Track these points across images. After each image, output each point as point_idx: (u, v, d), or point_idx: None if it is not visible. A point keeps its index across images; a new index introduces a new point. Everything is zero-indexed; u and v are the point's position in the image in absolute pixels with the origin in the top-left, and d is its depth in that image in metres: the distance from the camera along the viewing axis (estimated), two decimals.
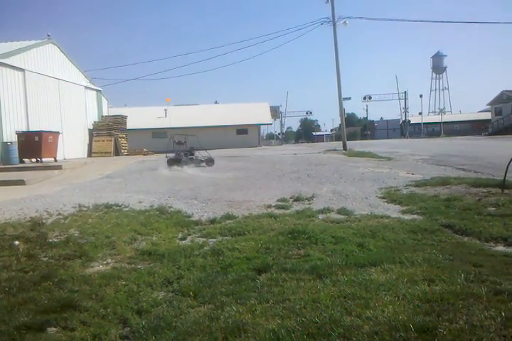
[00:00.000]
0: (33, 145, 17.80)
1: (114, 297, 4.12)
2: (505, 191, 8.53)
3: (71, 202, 8.75)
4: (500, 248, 5.49)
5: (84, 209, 8.23)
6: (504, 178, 8.74)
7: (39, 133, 18.26)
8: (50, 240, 6.14)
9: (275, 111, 61.62)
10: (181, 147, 17.34)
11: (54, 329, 3.55)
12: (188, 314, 3.70)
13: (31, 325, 3.52)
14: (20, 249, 5.71)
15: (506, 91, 54.02)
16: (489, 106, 59.26)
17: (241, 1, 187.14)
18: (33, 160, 18.35)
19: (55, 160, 18.92)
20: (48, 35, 23.64)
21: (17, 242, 5.98)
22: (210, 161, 16.80)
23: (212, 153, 17.94)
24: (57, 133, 19.75)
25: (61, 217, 7.59)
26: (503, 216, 6.76)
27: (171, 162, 16.28)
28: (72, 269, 4.98)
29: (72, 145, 24.30)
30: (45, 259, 5.42)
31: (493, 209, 7.34)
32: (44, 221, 7.22)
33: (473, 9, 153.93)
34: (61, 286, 4.39)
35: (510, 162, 8.60)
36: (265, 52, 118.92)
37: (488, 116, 60.50)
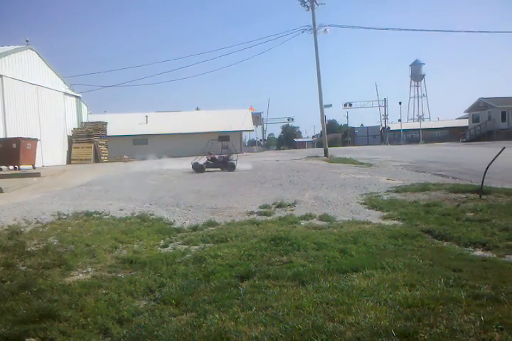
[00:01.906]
0: (11, 152, 17.46)
1: (95, 306, 4.05)
2: (483, 196, 8.70)
3: (50, 210, 8.61)
4: (479, 252, 5.59)
5: (64, 217, 8.10)
6: (482, 184, 8.92)
7: (17, 139, 17.93)
8: (29, 249, 6.03)
9: (257, 118, 61.71)
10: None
11: (33, 339, 3.48)
12: (170, 322, 3.66)
13: (9, 336, 3.44)
14: None
15: (483, 98, 55.15)
16: (467, 114, 60.35)
17: (223, 8, 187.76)
18: (11, 167, 17.98)
19: (34, 168, 18.58)
20: (27, 41, 23.36)
21: None
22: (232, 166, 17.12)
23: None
24: (36, 139, 19.41)
25: (40, 225, 7.46)
26: (482, 221, 6.89)
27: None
28: (52, 278, 4.89)
29: (51, 152, 23.95)
30: (23, 268, 5.31)
31: (472, 214, 7.47)
32: (22, 229, 7.08)
33: (451, 18, 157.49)
34: (40, 296, 4.31)
35: (487, 168, 8.78)
36: (246, 59, 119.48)
37: (465, 123, 61.60)
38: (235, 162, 17.35)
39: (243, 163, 18.04)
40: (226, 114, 48.08)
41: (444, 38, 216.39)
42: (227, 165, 17.19)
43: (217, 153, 18.17)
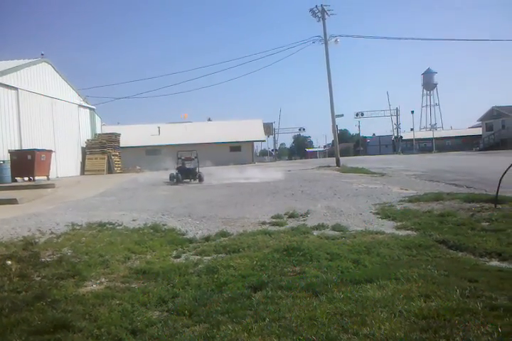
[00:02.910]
0: (26, 163, 17.72)
1: (108, 317, 4.07)
2: (498, 206, 8.59)
3: (64, 220, 8.69)
4: (495, 263, 5.50)
5: (78, 227, 8.17)
6: (497, 193, 8.81)
7: (32, 151, 18.21)
8: (43, 259, 6.08)
9: (268, 128, 61.92)
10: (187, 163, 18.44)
11: None
12: (183, 333, 3.65)
13: None
14: (13, 269, 5.64)
15: (497, 107, 54.76)
16: (480, 122, 59.97)
17: (234, 20, 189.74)
18: (26, 178, 18.23)
19: (48, 179, 18.82)
20: (42, 54, 23.82)
21: (9, 262, 5.90)
22: (200, 178, 17.75)
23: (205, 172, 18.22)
24: (50, 151, 19.69)
25: (54, 235, 7.52)
26: (497, 231, 6.79)
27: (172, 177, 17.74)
28: (66, 289, 4.92)
29: (65, 164, 24.24)
30: (37, 279, 5.35)
31: (487, 224, 7.38)
32: (37, 240, 7.15)
33: (462, 26, 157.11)
34: (54, 306, 4.34)
35: (502, 177, 8.68)
36: (257, 70, 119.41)
37: (479, 131, 61.17)
38: (201, 173, 17.88)
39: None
40: (237, 125, 48.35)
41: (455, 46, 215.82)
42: (194, 177, 17.79)
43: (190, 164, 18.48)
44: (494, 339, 3.08)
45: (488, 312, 3.58)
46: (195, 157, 18.75)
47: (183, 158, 18.68)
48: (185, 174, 17.86)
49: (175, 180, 17.54)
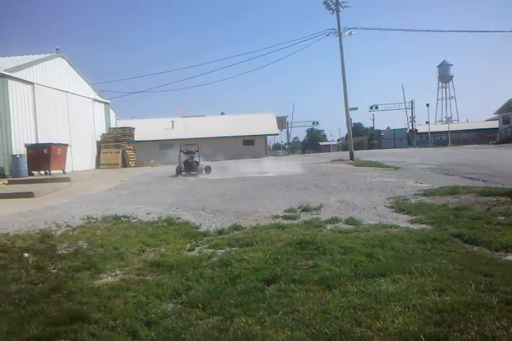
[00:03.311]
0: (42, 157, 17.95)
1: (123, 309, 4.11)
2: None
3: (79, 214, 8.80)
4: (511, 257, 5.43)
5: (93, 220, 8.27)
6: None
7: (48, 145, 18.43)
8: (59, 252, 6.17)
9: (282, 122, 61.76)
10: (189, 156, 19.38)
11: None
12: (197, 326, 3.68)
13: (41, 337, 3.52)
14: (30, 261, 5.73)
15: None
16: (497, 115, 58.99)
17: (248, 14, 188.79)
18: (42, 172, 18.48)
19: (64, 172, 19.06)
20: (57, 49, 23.99)
21: (26, 254, 6.00)
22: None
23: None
24: (66, 145, 19.92)
25: (70, 228, 7.63)
26: None
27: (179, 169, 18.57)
28: (81, 281, 4.99)
29: (80, 157, 24.48)
30: (54, 271, 5.43)
31: (503, 218, 7.28)
32: (53, 233, 7.26)
33: (478, 17, 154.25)
34: (70, 298, 4.40)
35: None
36: (271, 63, 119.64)
37: (495, 124, 60.20)
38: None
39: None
40: (251, 118, 48.31)
41: (471, 38, 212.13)
42: (195, 169, 18.65)
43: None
44: (509, 334, 3.05)
45: (503, 306, 3.54)
46: (197, 150, 19.50)
47: (185, 151, 19.41)
48: (188, 167, 18.62)
49: (182, 172, 18.35)
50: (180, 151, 19.24)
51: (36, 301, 4.33)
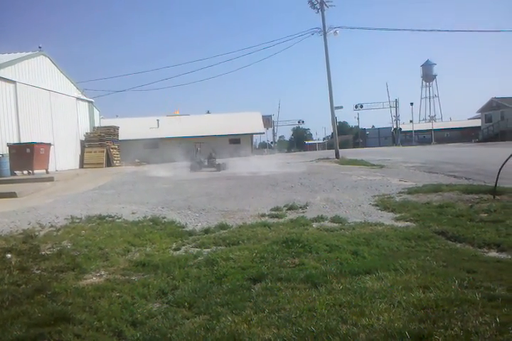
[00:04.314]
0: (25, 157, 17.67)
1: (108, 309, 4.09)
2: (497, 197, 8.61)
3: (63, 213, 8.70)
4: (494, 254, 5.53)
5: (77, 220, 8.18)
6: (495, 184, 8.82)
7: (30, 145, 18.15)
8: (43, 252, 6.09)
9: (267, 121, 61.78)
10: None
11: None
12: (183, 325, 3.67)
13: (24, 339, 3.48)
14: (13, 262, 5.65)
15: (496, 98, 54.53)
16: (479, 114, 59.76)
17: (232, 12, 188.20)
18: (25, 172, 18.20)
19: (47, 172, 18.79)
20: (40, 47, 23.62)
21: (9, 255, 5.92)
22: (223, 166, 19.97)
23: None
24: (49, 144, 19.63)
25: (53, 229, 7.54)
26: (496, 222, 6.82)
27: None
28: (66, 282, 4.94)
29: (63, 157, 24.17)
30: (37, 272, 5.36)
31: (486, 215, 7.40)
32: (36, 233, 7.16)
33: (462, 18, 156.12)
34: (54, 299, 4.35)
35: (501, 168, 8.69)
36: (255, 62, 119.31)
37: (478, 123, 60.96)
38: (220, 163, 20.16)
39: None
40: (236, 117, 48.20)
41: (455, 37, 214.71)
42: (215, 166, 19.93)
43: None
44: (492, 329, 3.10)
45: (486, 302, 3.60)
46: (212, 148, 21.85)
47: (198, 149, 21.88)
48: (210, 164, 20.44)
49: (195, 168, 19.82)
50: (196, 149, 21.57)
51: (19, 302, 4.28)
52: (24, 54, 22.39)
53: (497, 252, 5.58)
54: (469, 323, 3.21)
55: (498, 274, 4.38)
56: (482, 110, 57.70)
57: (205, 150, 22.38)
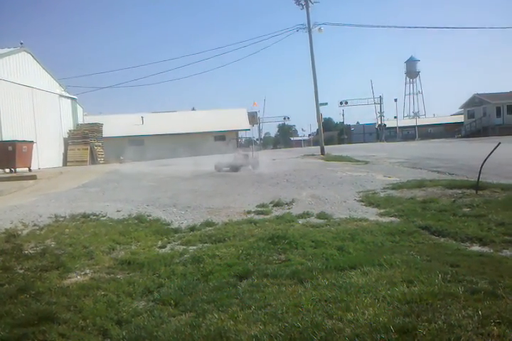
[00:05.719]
0: (7, 155, 17.41)
1: (93, 308, 4.06)
2: (479, 192, 8.74)
3: (47, 212, 8.59)
4: (476, 248, 5.61)
5: (61, 219, 8.09)
6: (478, 180, 8.95)
7: (12, 142, 17.88)
8: (26, 252, 6.02)
9: (253, 117, 61.64)
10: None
11: None
12: (169, 323, 3.67)
13: (8, 339, 3.44)
14: None
15: (478, 94, 55.26)
16: (462, 110, 60.51)
17: (216, 8, 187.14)
18: (7, 170, 17.93)
19: (30, 170, 18.54)
20: (21, 43, 23.22)
21: None
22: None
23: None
24: (32, 142, 19.36)
25: (37, 227, 7.44)
26: (478, 216, 6.92)
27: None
28: (50, 281, 4.88)
29: (47, 155, 23.85)
30: (21, 271, 5.29)
31: (468, 210, 7.50)
32: (19, 232, 7.07)
33: (445, 15, 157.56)
34: (38, 298, 4.31)
35: (483, 164, 8.81)
36: (241, 58, 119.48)
37: (461, 119, 61.72)
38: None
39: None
40: (222, 114, 48.09)
41: (438, 34, 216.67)
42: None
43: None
44: (474, 322, 3.15)
45: (469, 296, 3.65)
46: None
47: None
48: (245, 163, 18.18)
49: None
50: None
51: (2, 302, 4.23)
52: (5, 50, 22.02)
53: (479, 246, 5.66)
54: (452, 316, 3.26)
55: (480, 268, 4.45)
56: (465, 106, 58.44)
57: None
